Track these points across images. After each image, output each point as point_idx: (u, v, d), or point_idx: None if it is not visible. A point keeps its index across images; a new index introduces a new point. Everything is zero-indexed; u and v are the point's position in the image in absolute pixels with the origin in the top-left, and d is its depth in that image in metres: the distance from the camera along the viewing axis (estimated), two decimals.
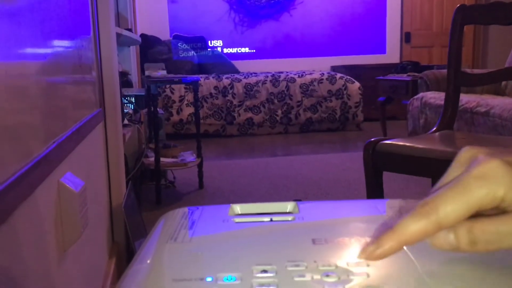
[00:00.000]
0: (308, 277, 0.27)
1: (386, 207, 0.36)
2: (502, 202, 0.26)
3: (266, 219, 0.38)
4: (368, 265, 0.29)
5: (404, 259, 0.29)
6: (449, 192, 0.27)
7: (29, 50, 0.72)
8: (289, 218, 0.38)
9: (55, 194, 0.80)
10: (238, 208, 0.41)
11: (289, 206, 0.40)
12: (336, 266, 0.29)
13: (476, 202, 0.26)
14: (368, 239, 0.32)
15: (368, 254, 0.28)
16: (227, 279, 0.28)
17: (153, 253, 0.33)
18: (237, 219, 0.38)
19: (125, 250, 1.60)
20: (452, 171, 0.30)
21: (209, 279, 0.28)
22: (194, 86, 2.67)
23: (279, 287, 0.26)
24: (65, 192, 0.82)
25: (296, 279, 0.27)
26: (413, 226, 0.27)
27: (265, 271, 0.28)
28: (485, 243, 0.27)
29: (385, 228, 0.28)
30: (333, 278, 0.27)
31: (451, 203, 0.27)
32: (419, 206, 0.27)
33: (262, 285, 0.27)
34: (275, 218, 0.38)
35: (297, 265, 0.29)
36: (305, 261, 0.29)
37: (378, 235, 0.28)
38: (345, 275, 0.28)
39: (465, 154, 0.30)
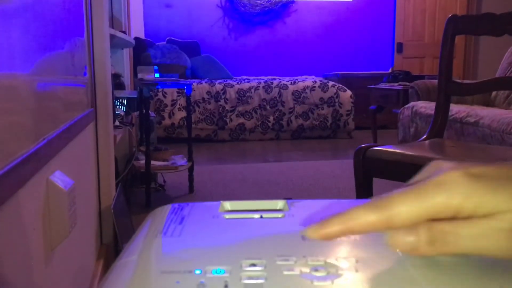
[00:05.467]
0: (297, 271, 0.28)
1: None
2: (458, 212, 0.27)
3: (256, 215, 0.38)
4: (357, 261, 0.29)
5: (393, 254, 0.29)
6: (406, 193, 0.27)
7: (21, 51, 0.72)
8: (279, 215, 0.38)
9: (43, 192, 0.80)
10: (228, 204, 0.41)
11: (279, 204, 0.40)
12: (325, 262, 0.29)
13: (430, 207, 0.27)
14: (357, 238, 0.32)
15: (313, 231, 0.28)
16: (216, 272, 0.27)
17: (141, 247, 0.33)
18: (227, 215, 0.38)
19: (113, 252, 1.59)
20: (415, 178, 0.31)
21: (197, 271, 0.28)
22: (186, 90, 2.66)
23: (268, 280, 0.26)
24: (54, 190, 0.82)
25: (285, 272, 0.27)
26: (363, 215, 0.27)
27: (254, 265, 0.28)
28: (442, 243, 0.27)
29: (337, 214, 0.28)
30: (322, 272, 0.27)
31: (406, 203, 0.27)
32: (374, 200, 0.28)
33: (251, 278, 0.27)
34: (265, 215, 0.38)
35: (286, 260, 0.29)
36: (294, 256, 0.29)
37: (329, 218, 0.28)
38: (334, 269, 0.28)
39: (431, 166, 0.31)
